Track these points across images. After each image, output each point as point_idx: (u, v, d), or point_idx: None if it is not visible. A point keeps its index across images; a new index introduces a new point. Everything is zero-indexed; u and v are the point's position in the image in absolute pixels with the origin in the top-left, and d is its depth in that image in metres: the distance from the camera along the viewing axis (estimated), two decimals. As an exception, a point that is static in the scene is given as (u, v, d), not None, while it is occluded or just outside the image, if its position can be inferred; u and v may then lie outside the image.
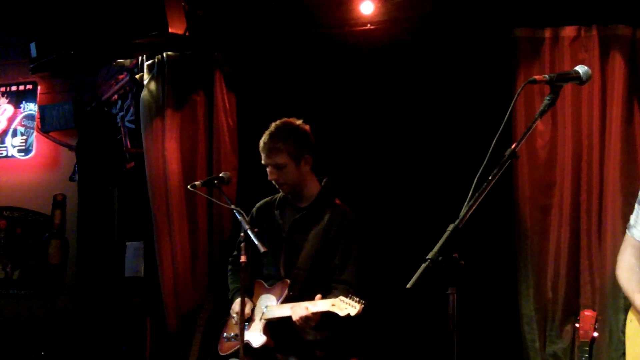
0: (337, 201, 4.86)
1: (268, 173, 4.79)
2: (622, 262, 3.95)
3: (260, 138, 4.84)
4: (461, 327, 2.84)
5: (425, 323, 5.62)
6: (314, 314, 4.33)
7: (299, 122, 4.83)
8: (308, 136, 4.81)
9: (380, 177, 6.05)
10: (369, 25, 5.82)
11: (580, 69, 3.03)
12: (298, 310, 4.40)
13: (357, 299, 4.19)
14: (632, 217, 3.92)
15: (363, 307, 4.16)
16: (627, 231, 3.82)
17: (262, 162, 4.79)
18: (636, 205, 3.73)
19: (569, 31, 5.43)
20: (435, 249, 2.70)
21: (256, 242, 4.26)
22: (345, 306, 4.19)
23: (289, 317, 4.50)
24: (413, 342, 5.80)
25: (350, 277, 4.63)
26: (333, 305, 4.25)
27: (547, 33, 5.47)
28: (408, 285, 2.64)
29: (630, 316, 3.67)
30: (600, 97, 5.32)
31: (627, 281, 3.82)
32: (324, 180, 4.92)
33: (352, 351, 4.86)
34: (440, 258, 2.69)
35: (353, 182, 5.86)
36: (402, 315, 5.77)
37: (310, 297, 4.45)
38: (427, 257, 2.69)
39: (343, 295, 4.28)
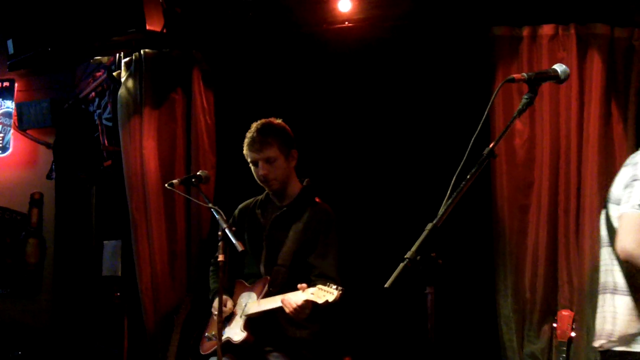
0: (318, 200, 4.87)
1: (258, 169, 4.77)
2: None
3: (239, 136, 4.83)
4: (439, 326, 2.83)
5: (404, 322, 5.62)
6: (306, 301, 4.33)
7: (279, 121, 4.85)
8: (290, 133, 4.84)
9: (361, 176, 6.04)
10: (346, 23, 5.81)
11: (559, 67, 3.03)
12: (290, 299, 4.39)
13: (335, 286, 4.20)
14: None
15: (341, 294, 4.17)
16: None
17: (251, 159, 4.77)
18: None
19: (547, 30, 5.45)
20: (414, 248, 2.69)
21: (234, 240, 4.25)
22: (323, 294, 4.21)
23: (272, 313, 4.50)
24: (392, 341, 5.80)
25: (330, 271, 4.64)
26: (312, 294, 4.27)
27: (525, 32, 5.49)
28: (386, 285, 2.64)
29: None
30: (578, 96, 5.35)
31: None
32: (306, 180, 4.93)
33: (339, 350, 4.87)
34: (418, 257, 2.69)
35: (333, 181, 5.84)
36: (382, 315, 5.76)
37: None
38: (405, 257, 2.68)
39: (322, 284, 4.30)
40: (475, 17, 5.59)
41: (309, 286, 4.42)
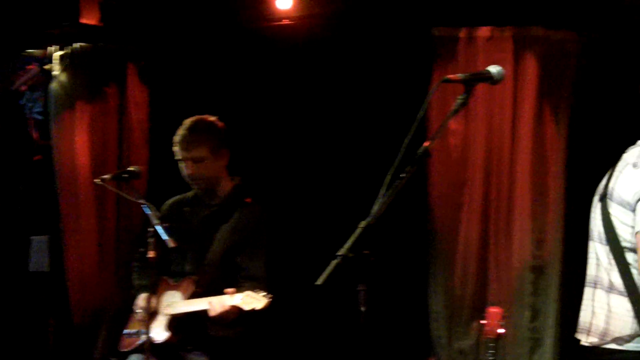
0: (249, 200, 4.82)
1: (183, 168, 4.72)
2: None
3: (173, 133, 4.77)
4: (371, 324, 2.84)
5: (335, 320, 5.61)
6: (232, 306, 4.29)
7: (213, 118, 4.79)
8: (225, 132, 4.78)
9: (297, 174, 6.02)
10: (286, 20, 5.79)
11: (494, 68, 3.03)
12: (217, 304, 4.35)
13: (264, 293, 4.17)
14: None
15: (270, 302, 4.15)
16: None
17: (178, 157, 4.72)
18: None
19: (484, 31, 5.51)
20: (347, 245, 2.69)
21: (165, 237, 4.20)
22: (251, 301, 4.18)
23: (197, 313, 4.45)
24: (323, 339, 5.79)
25: (258, 272, 4.61)
26: (240, 299, 4.23)
27: (463, 33, 5.54)
28: (318, 282, 2.62)
29: None
30: (512, 97, 5.42)
31: None
32: (237, 179, 4.88)
33: (263, 349, 4.84)
34: (351, 255, 2.68)
35: (268, 180, 5.83)
36: (313, 313, 5.76)
37: (218, 294, 4.40)
38: (337, 254, 2.67)
39: (250, 290, 4.26)
40: (415, 17, 5.61)
41: (237, 288, 4.39)
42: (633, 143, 3.43)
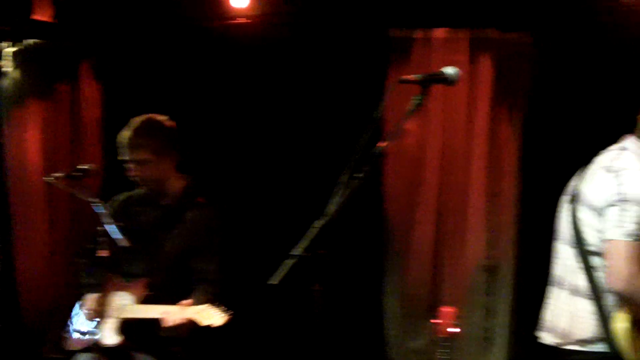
0: (201, 200, 4.73)
1: (128, 169, 4.64)
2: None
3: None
4: (326, 324, 2.83)
5: (290, 320, 5.60)
6: (188, 320, 4.20)
7: (163, 118, 4.68)
8: (173, 133, 4.65)
9: (252, 174, 6.00)
10: (241, 19, 5.76)
11: (450, 70, 3.04)
12: (171, 315, 4.25)
13: (224, 309, 4.10)
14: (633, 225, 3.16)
15: (229, 319, 4.10)
16: (636, 241, 3.14)
17: (122, 157, 4.61)
18: None
19: (439, 33, 5.55)
20: (302, 245, 2.68)
21: (116, 236, 4.13)
22: (209, 316, 4.09)
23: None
24: (278, 339, 5.78)
25: (212, 275, 4.54)
26: (197, 313, 4.15)
27: (419, 34, 5.57)
28: (273, 281, 2.61)
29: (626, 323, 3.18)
30: (467, 99, 5.48)
31: None
32: (187, 178, 4.77)
33: (215, 349, 4.80)
34: (306, 254, 2.67)
35: (222, 179, 5.79)
36: (268, 312, 5.74)
37: (171, 297, 4.32)
38: (292, 254, 2.66)
39: (206, 298, 4.20)
40: (371, 18, 5.62)
41: (192, 292, 4.33)
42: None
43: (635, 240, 3.05)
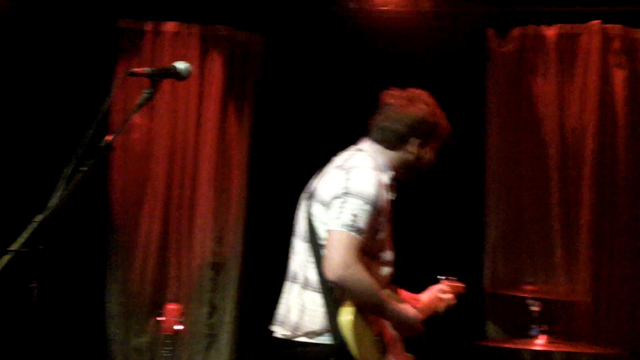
0: None
1: None
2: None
3: None
4: (45, 321, 2.72)
5: (7, 318, 5.32)
6: None
7: None
8: None
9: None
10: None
11: (181, 65, 3.01)
12: None
13: None
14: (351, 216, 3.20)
15: None
16: (353, 233, 3.18)
17: None
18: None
19: (170, 26, 5.55)
20: (20, 240, 2.55)
21: None
22: None
23: None
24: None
25: None
26: None
27: (149, 26, 5.54)
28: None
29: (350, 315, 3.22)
30: (198, 95, 5.53)
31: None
32: None
33: None
34: (24, 250, 2.55)
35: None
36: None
37: None
38: (8, 249, 2.53)
39: None
40: (99, 8, 5.50)
41: None
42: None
43: (352, 232, 3.17)
